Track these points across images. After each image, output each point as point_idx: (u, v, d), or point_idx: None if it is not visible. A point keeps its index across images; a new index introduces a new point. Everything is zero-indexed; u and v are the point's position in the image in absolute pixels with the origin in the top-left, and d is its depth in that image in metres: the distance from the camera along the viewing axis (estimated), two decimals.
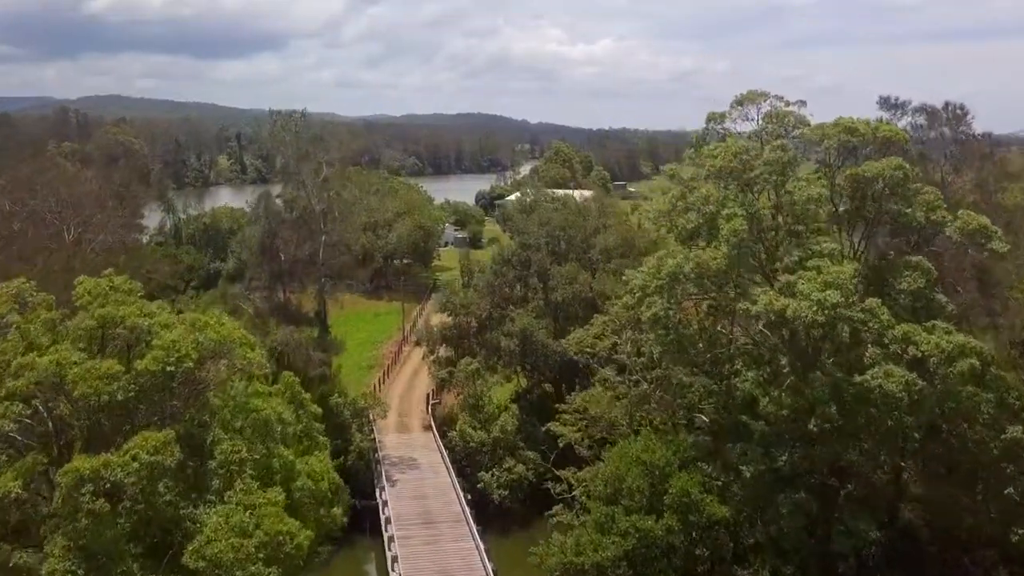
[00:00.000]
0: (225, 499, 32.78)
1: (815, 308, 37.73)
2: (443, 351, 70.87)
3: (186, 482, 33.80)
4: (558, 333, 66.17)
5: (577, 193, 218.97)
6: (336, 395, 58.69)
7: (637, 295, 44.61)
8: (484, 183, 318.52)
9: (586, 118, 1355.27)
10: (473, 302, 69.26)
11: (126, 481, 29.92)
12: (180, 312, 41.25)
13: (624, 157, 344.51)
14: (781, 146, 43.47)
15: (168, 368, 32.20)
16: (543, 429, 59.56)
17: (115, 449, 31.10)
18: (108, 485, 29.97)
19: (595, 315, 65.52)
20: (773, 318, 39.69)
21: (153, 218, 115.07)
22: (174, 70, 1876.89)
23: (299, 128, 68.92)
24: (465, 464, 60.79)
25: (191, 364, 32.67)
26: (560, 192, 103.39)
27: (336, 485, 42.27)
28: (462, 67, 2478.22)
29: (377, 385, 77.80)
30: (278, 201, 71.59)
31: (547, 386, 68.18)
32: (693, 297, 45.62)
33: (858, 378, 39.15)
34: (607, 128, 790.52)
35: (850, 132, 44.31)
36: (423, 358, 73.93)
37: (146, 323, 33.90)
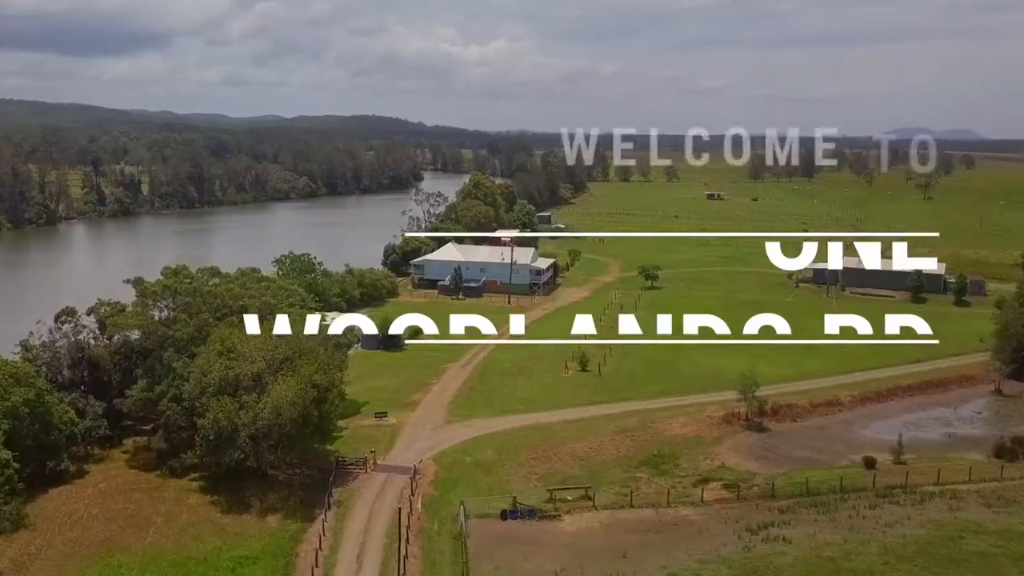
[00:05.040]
0: None
1: None
2: None
3: None
4: None
5: (502, 234, 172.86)
6: None
7: None
8: (387, 207, 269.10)
9: (483, 120, 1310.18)
10: None
11: None
12: None
13: (543, 181, 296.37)
14: None
15: None
16: None
17: None
18: None
19: None
20: None
21: None
22: (45, 69, 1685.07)
23: None
24: None
25: None
26: None
27: None
28: (351, 66, 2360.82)
29: None
30: None
31: None
32: None
33: None
34: (505, 131, 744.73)
35: None
36: None
37: None
